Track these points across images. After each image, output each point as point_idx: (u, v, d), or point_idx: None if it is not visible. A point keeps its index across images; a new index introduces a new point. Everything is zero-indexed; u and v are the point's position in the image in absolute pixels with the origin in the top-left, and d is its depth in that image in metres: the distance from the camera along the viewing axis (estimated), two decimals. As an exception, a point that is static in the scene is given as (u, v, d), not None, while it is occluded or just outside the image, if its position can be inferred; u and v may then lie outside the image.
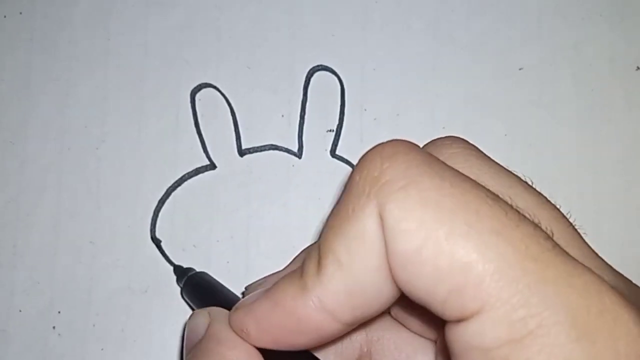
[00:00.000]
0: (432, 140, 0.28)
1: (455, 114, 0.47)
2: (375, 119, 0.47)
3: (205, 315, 0.30)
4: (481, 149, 0.45)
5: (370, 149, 0.24)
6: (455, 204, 0.21)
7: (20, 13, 0.48)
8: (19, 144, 0.46)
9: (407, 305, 0.29)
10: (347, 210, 0.23)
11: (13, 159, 0.46)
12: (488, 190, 0.22)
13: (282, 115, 0.47)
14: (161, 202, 0.46)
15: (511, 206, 0.22)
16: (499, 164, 0.27)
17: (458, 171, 0.23)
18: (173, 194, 0.46)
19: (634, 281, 0.44)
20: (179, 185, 0.46)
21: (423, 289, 0.22)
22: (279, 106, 0.47)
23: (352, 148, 0.46)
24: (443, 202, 0.21)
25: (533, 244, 0.21)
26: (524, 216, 0.22)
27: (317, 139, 0.46)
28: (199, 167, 0.46)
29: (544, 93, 0.47)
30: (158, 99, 0.47)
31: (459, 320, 0.21)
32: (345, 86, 0.47)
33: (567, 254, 0.21)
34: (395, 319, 0.32)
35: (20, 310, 0.44)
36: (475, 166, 0.26)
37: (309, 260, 0.25)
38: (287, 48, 0.47)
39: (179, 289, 0.44)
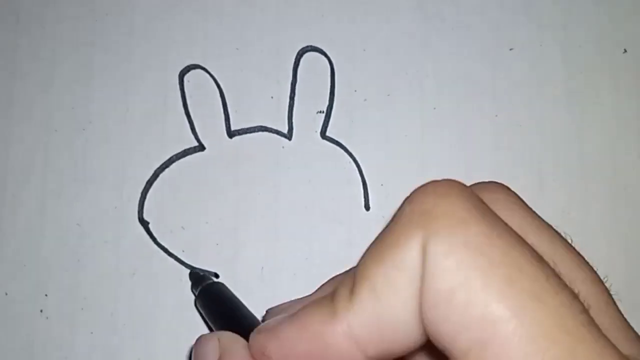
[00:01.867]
0: (475, 184, 0.27)
1: (446, 95, 0.46)
2: (365, 100, 0.46)
3: (215, 341, 0.29)
4: (472, 129, 0.46)
5: (424, 184, 0.23)
6: (499, 255, 0.21)
7: (6, -7, 0.47)
8: (5, 126, 0.45)
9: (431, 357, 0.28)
10: (392, 239, 0.22)
11: (-1, 140, 0.45)
12: (533, 249, 0.22)
13: (272, 97, 0.46)
14: (149, 183, 0.45)
15: (553, 270, 0.21)
16: (538, 216, 0.27)
17: (506, 224, 0.22)
18: (161, 175, 0.45)
19: (619, 258, 0.44)
20: (167, 166, 0.45)
21: (448, 333, 0.21)
22: (268, 87, 0.46)
23: (342, 129, 0.46)
24: (488, 250, 0.21)
25: (569, 315, 0.20)
26: (564, 284, 0.21)
27: (307, 120, 0.46)
28: (188, 149, 0.45)
29: (534, 73, 0.47)
30: (146, 80, 0.46)
31: None
32: (335, 67, 0.46)
33: (600, 331, 0.20)
34: None
35: (6, 293, 0.43)
36: (518, 217, 0.26)
37: (342, 286, 0.24)
38: (276, 29, 0.47)
39: (166, 271, 0.43)
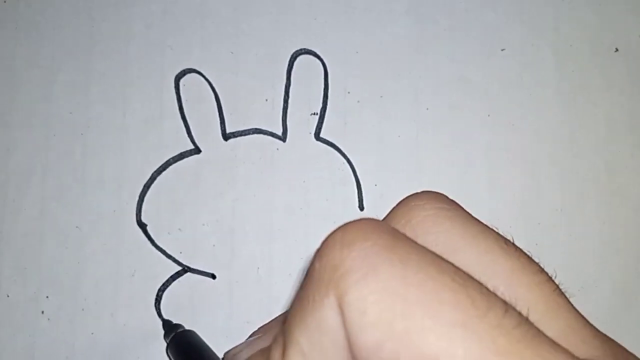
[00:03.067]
0: (406, 199, 0.26)
1: (439, 95, 0.46)
2: (358, 102, 0.46)
3: None
4: (465, 129, 0.45)
5: (331, 233, 0.22)
6: (417, 294, 0.20)
7: (5, 1, 0.47)
8: (5, 131, 0.45)
9: None
10: (308, 300, 0.22)
11: (-1, 145, 0.45)
12: (458, 270, 0.21)
13: (266, 99, 0.46)
14: (146, 186, 0.45)
15: (481, 289, 0.20)
16: (475, 224, 0.25)
17: (425, 251, 0.21)
18: (158, 178, 0.45)
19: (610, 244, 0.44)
20: (164, 169, 0.45)
21: None
22: (262, 90, 0.46)
23: (336, 131, 0.46)
24: (404, 292, 0.20)
25: (501, 336, 0.19)
26: (495, 299, 0.20)
27: (301, 122, 0.46)
28: (184, 152, 0.45)
29: (526, 74, 0.47)
30: (142, 85, 0.46)
31: None
32: (328, 69, 0.46)
33: (543, 340, 0.19)
34: None
35: (8, 296, 0.43)
36: (448, 231, 0.24)
37: (276, 346, 0.23)
38: (270, 33, 0.46)
39: (163, 275, 0.44)
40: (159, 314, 0.43)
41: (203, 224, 0.44)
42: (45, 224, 0.44)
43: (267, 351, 0.24)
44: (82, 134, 0.45)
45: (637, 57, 0.47)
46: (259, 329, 0.35)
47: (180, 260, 0.44)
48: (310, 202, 0.45)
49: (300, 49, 0.46)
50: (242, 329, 0.43)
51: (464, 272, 0.20)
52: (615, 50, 0.47)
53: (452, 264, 0.21)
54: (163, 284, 0.43)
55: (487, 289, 0.20)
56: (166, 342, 0.42)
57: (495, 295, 0.20)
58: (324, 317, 0.21)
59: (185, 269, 0.44)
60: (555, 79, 0.47)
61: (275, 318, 0.33)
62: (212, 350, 0.39)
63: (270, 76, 0.46)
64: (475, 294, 0.20)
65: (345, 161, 0.45)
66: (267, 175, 0.45)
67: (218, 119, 0.45)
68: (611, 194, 0.46)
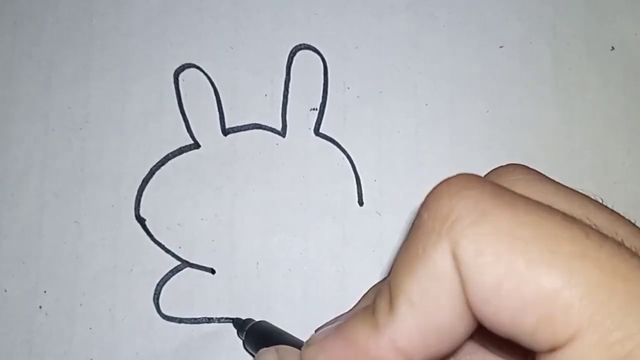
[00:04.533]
0: (493, 170, 0.27)
1: (438, 91, 0.46)
2: (358, 97, 0.45)
3: (273, 353, 0.30)
4: (464, 125, 0.45)
5: (436, 186, 0.23)
6: (531, 231, 0.20)
7: (4, -4, 0.46)
8: (3, 125, 0.45)
9: (487, 336, 0.28)
10: (417, 250, 0.22)
11: (-3, 140, 0.45)
12: (563, 213, 0.21)
13: (266, 95, 0.45)
14: (145, 181, 0.44)
15: (590, 227, 0.21)
16: (564, 186, 0.26)
17: (529, 198, 0.22)
18: (157, 173, 0.44)
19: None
20: (163, 164, 0.44)
21: (508, 322, 0.20)
22: (262, 85, 0.45)
23: (336, 126, 0.45)
24: (519, 231, 0.20)
25: (620, 263, 0.19)
26: (606, 235, 0.20)
27: (301, 117, 0.45)
28: (183, 147, 0.45)
29: (524, 71, 0.46)
30: (141, 80, 0.45)
31: (551, 350, 0.20)
32: (327, 64, 0.46)
33: None
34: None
35: (5, 290, 0.43)
36: (542, 191, 0.25)
37: (381, 299, 0.23)
38: (269, 28, 0.46)
39: (162, 270, 0.43)
40: (158, 309, 0.43)
41: (202, 219, 0.44)
42: (44, 218, 0.44)
43: (369, 310, 0.24)
44: (80, 129, 0.45)
45: (633, 55, 0.47)
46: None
47: (179, 255, 0.43)
48: (309, 197, 0.44)
49: (300, 44, 0.46)
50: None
51: (571, 215, 0.21)
52: (612, 48, 0.47)
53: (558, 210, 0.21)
54: (162, 279, 0.43)
55: (595, 228, 0.21)
56: (241, 338, 0.42)
57: (604, 233, 0.21)
58: (437, 264, 0.21)
59: (185, 264, 0.43)
60: (552, 77, 0.46)
61: (368, 292, 0.34)
62: (289, 334, 0.38)
63: (269, 71, 0.45)
64: (587, 229, 0.20)
65: (344, 156, 0.45)
66: (267, 171, 0.44)
67: (217, 114, 0.45)
68: (608, 190, 0.45)
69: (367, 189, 0.44)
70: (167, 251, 0.43)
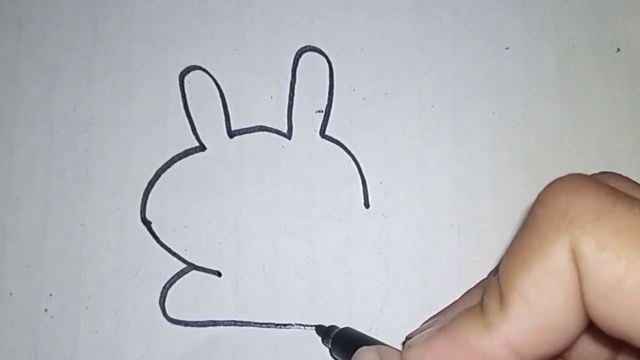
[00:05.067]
0: (592, 175, 0.27)
1: (443, 93, 0.45)
2: (364, 99, 0.45)
3: (375, 352, 0.30)
4: (469, 127, 0.45)
5: (550, 184, 0.23)
6: None
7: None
8: (8, 128, 0.44)
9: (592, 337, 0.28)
10: (533, 246, 0.22)
11: (2, 143, 0.44)
12: None
13: (271, 97, 0.45)
14: (151, 183, 0.44)
15: None
16: None
17: None
18: (163, 175, 0.44)
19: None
20: (169, 166, 0.44)
21: (626, 321, 0.20)
22: (267, 88, 0.45)
23: (342, 128, 0.45)
24: (638, 229, 0.20)
25: None
26: None
27: (307, 119, 0.45)
28: (189, 149, 0.44)
29: (529, 72, 0.46)
30: (147, 82, 0.45)
31: None
32: (333, 66, 0.45)
33: None
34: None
35: (11, 293, 0.43)
36: None
37: (490, 298, 0.24)
38: (274, 30, 0.46)
39: (168, 273, 0.43)
40: (164, 312, 0.42)
41: (208, 222, 0.43)
42: (49, 221, 0.43)
43: (476, 309, 0.24)
44: (85, 131, 0.44)
45: (638, 56, 0.47)
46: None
47: (185, 258, 0.43)
48: (315, 199, 0.44)
49: (305, 46, 0.45)
50: (247, 327, 0.42)
51: None
52: (616, 50, 0.47)
53: None
54: (168, 282, 0.43)
55: None
56: (326, 345, 0.41)
57: None
58: (554, 259, 0.21)
59: (191, 267, 0.43)
60: (557, 78, 0.46)
61: (465, 294, 0.34)
62: (375, 339, 0.38)
63: (275, 73, 0.45)
64: None
65: (350, 159, 0.44)
66: (273, 173, 0.44)
67: (223, 116, 0.45)
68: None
69: (372, 191, 0.44)
70: (173, 254, 0.43)
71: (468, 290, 0.34)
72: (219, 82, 0.45)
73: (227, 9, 0.46)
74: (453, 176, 0.44)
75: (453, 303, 0.34)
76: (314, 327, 0.42)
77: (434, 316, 0.34)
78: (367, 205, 0.44)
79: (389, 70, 0.45)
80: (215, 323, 0.42)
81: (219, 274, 0.43)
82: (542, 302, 0.22)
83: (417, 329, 0.34)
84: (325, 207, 0.44)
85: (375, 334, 0.42)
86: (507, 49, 0.46)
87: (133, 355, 0.42)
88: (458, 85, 0.46)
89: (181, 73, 0.45)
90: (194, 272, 0.43)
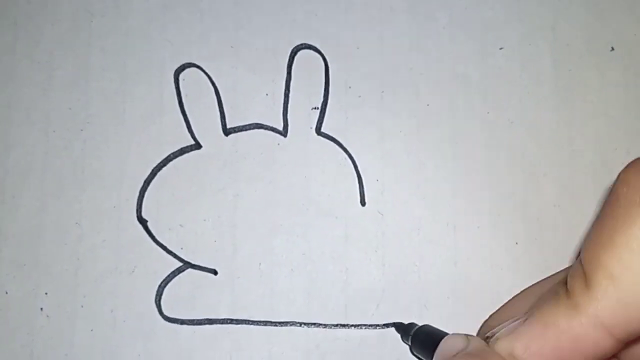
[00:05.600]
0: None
1: (439, 92, 0.45)
2: (360, 96, 0.45)
3: (464, 338, 0.30)
4: (464, 125, 0.45)
5: (631, 163, 0.23)
6: None
7: (5, -1, 0.46)
8: (4, 128, 0.44)
9: None
10: (616, 223, 0.22)
11: (-2, 142, 0.44)
12: None
13: (267, 94, 0.45)
14: (147, 182, 0.43)
15: None
16: None
17: None
18: (158, 174, 0.44)
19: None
20: (165, 165, 0.44)
21: None
22: (263, 85, 0.45)
23: (337, 125, 0.44)
24: None
25: None
26: None
27: (302, 117, 0.44)
28: (184, 147, 0.44)
29: (524, 72, 0.46)
30: (142, 80, 0.45)
31: None
32: (329, 64, 0.45)
33: None
34: None
35: (6, 292, 0.42)
36: None
37: (575, 279, 0.24)
38: (270, 28, 0.45)
39: (164, 271, 0.42)
40: (160, 311, 0.42)
41: (204, 220, 0.43)
42: (45, 220, 0.43)
43: (558, 294, 0.25)
44: (81, 130, 0.44)
45: (633, 55, 0.46)
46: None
47: (181, 256, 0.43)
48: (311, 197, 0.43)
49: (301, 44, 0.45)
50: (244, 325, 0.42)
51: None
52: (611, 49, 0.46)
53: None
54: (164, 280, 0.42)
55: None
56: (406, 343, 0.41)
57: None
58: (638, 235, 0.22)
59: (187, 265, 0.43)
60: (552, 77, 0.46)
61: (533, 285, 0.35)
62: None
63: (270, 71, 0.45)
64: None
65: (346, 156, 0.44)
66: (268, 171, 0.44)
67: (218, 113, 0.44)
68: (608, 190, 0.45)
69: (369, 188, 0.44)
70: (169, 252, 0.43)
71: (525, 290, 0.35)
72: (214, 79, 0.45)
73: (223, 6, 0.46)
74: (449, 174, 0.44)
75: (504, 306, 0.36)
76: (392, 326, 0.42)
77: (496, 314, 0.35)
78: (363, 202, 0.44)
79: (385, 68, 0.45)
80: (211, 321, 0.42)
81: (215, 272, 0.43)
82: (628, 278, 0.22)
83: (481, 326, 0.36)
84: (322, 205, 0.43)
85: (371, 331, 0.42)
86: (501, 48, 0.46)
87: (129, 354, 0.42)
88: (454, 84, 0.45)
89: (176, 71, 0.45)
90: (190, 270, 0.43)
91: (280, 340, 0.42)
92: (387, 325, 0.42)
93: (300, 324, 0.42)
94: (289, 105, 0.44)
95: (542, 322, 0.25)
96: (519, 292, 0.38)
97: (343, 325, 0.42)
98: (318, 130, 0.44)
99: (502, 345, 0.27)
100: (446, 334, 0.38)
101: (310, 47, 0.45)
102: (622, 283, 0.22)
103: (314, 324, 0.42)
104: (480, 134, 0.45)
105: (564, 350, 0.25)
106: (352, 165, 0.44)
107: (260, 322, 0.42)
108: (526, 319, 0.26)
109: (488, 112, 0.45)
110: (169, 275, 0.42)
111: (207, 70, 0.45)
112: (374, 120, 0.45)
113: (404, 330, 0.41)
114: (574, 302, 0.24)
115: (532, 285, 0.37)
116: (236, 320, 0.42)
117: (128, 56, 0.45)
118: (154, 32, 0.45)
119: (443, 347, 0.32)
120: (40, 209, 0.43)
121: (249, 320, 0.42)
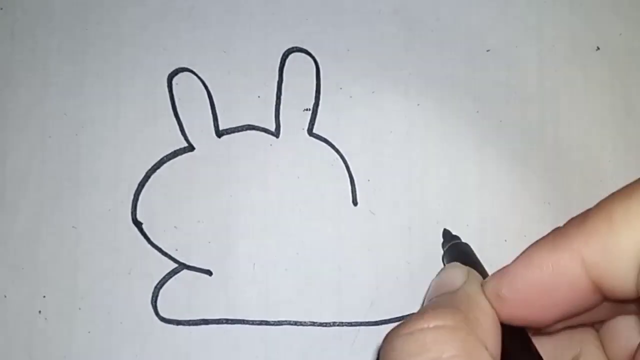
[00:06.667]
0: None
1: (429, 93, 0.45)
2: (350, 97, 0.44)
3: (465, 272, 0.30)
4: (454, 125, 0.44)
5: None
6: None
7: (1, 9, 0.45)
8: (0, 134, 0.44)
9: None
10: (637, 183, 0.22)
11: (-5, 148, 0.44)
12: None
13: (259, 96, 0.44)
14: (141, 185, 0.43)
15: None
16: None
17: None
18: (153, 176, 0.43)
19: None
20: (158, 167, 0.43)
21: None
22: (255, 88, 0.44)
23: (329, 126, 0.44)
24: None
25: None
26: None
27: (294, 118, 0.44)
28: (178, 149, 0.44)
29: (511, 73, 0.46)
30: (136, 85, 0.44)
31: None
32: (320, 66, 0.45)
33: None
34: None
35: (5, 296, 0.42)
36: None
37: (573, 219, 0.23)
38: (261, 32, 0.45)
39: (159, 273, 0.42)
40: (156, 312, 0.42)
41: (198, 221, 0.43)
42: (42, 224, 0.43)
43: (553, 231, 0.25)
44: (76, 135, 0.44)
45: (617, 55, 0.46)
46: None
47: (176, 258, 0.43)
48: (304, 197, 0.43)
49: (292, 47, 0.45)
50: (239, 325, 0.42)
51: None
52: (596, 49, 0.46)
53: None
54: (159, 282, 0.42)
55: None
56: (444, 250, 0.42)
57: None
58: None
59: (182, 266, 0.42)
60: (538, 78, 0.46)
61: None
62: (483, 267, 0.37)
63: (262, 73, 0.45)
64: None
65: (338, 157, 0.44)
66: (261, 171, 0.44)
67: (211, 116, 0.44)
68: (595, 187, 0.45)
69: (360, 188, 0.44)
70: (164, 254, 0.43)
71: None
72: (206, 83, 0.44)
73: (215, 11, 0.45)
74: (439, 173, 0.44)
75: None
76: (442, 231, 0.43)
77: None
78: (355, 202, 0.43)
79: (375, 70, 0.45)
80: (207, 322, 0.42)
81: (210, 273, 0.42)
82: (623, 225, 0.21)
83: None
84: (314, 205, 0.43)
85: (365, 329, 0.42)
86: (488, 51, 0.46)
87: (126, 355, 0.41)
88: (443, 85, 0.45)
89: (169, 75, 0.44)
90: (185, 271, 0.42)
91: (275, 339, 0.42)
92: (379, 323, 0.42)
93: (295, 323, 0.42)
94: (281, 107, 0.44)
95: (528, 258, 0.25)
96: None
97: (337, 324, 0.42)
98: (310, 131, 0.44)
99: (489, 286, 0.27)
100: (477, 260, 0.38)
101: (301, 49, 0.45)
102: (617, 230, 0.21)
103: (309, 322, 0.42)
104: (469, 133, 0.45)
105: (545, 286, 0.24)
106: (343, 166, 0.44)
107: (255, 321, 0.42)
108: (520, 256, 0.26)
109: (477, 112, 0.45)
110: (164, 277, 0.42)
111: (199, 74, 0.44)
112: (365, 120, 0.44)
113: (449, 238, 0.42)
114: (564, 234, 0.23)
115: None
116: (231, 320, 0.42)
117: (122, 62, 0.44)
118: (147, 37, 0.45)
119: (441, 276, 0.31)
120: (37, 213, 0.43)
121: (244, 320, 0.42)
